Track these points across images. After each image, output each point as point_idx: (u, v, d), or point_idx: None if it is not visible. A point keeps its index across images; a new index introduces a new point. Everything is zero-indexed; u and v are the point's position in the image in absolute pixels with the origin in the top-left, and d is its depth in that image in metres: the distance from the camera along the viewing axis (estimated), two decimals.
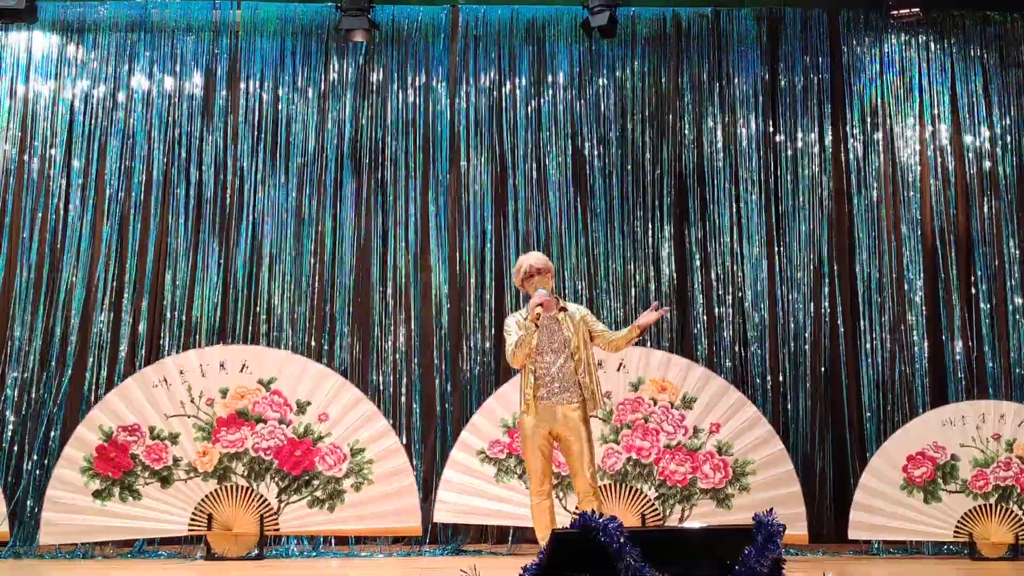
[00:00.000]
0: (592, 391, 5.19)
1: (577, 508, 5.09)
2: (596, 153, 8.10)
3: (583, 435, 5.11)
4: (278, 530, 6.90)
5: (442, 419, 7.72)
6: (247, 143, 7.99)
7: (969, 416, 7.20)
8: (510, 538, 7.41)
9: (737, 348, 7.89)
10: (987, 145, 8.13)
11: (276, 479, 6.90)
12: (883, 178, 8.14)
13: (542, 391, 5.14)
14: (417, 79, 8.16)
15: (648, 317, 5.23)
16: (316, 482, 6.91)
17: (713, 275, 7.98)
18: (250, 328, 7.75)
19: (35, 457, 7.35)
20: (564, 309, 5.26)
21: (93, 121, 7.95)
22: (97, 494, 6.79)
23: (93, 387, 7.52)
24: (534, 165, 8.09)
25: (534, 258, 5.34)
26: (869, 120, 8.20)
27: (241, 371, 7.03)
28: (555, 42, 8.24)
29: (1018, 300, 7.88)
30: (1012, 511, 7.02)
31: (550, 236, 7.97)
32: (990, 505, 7.06)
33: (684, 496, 7.05)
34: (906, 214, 8.08)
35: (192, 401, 6.96)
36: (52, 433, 7.40)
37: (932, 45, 8.25)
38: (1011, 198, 8.05)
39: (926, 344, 7.86)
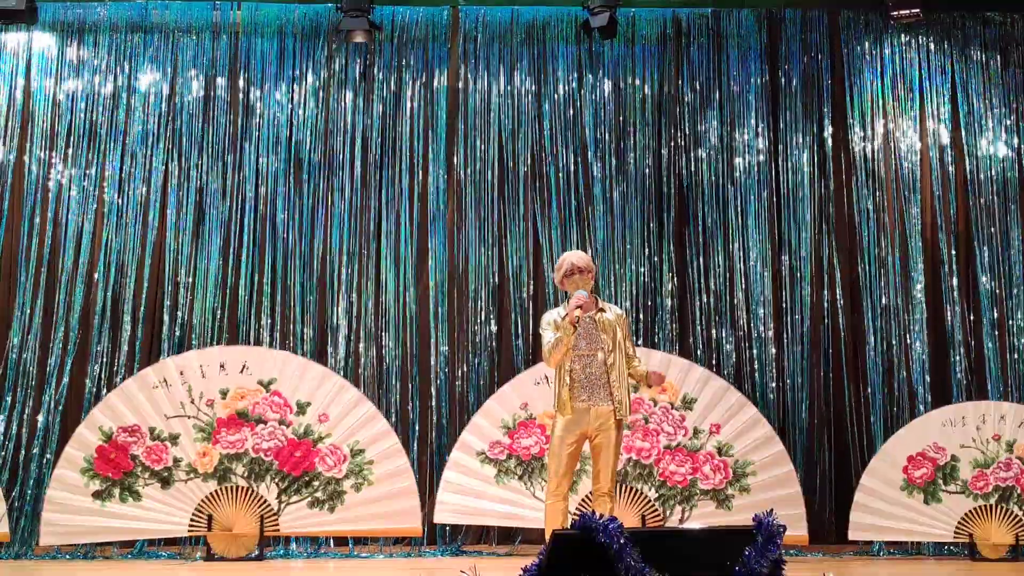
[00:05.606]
0: (621, 398, 5.11)
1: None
2: (596, 153, 8.10)
3: (613, 439, 5.09)
4: (278, 531, 6.90)
5: (441, 419, 7.71)
6: (247, 143, 7.98)
7: (969, 417, 7.20)
8: (512, 539, 7.42)
9: (737, 349, 7.89)
10: (987, 145, 8.12)
11: (276, 480, 6.90)
12: (883, 179, 8.14)
13: (577, 393, 5.10)
14: (417, 79, 8.16)
15: (654, 380, 5.24)
16: (316, 483, 6.91)
17: (713, 275, 7.98)
18: (250, 329, 7.75)
19: (35, 457, 7.35)
20: (602, 310, 5.23)
21: (93, 122, 7.94)
22: (97, 495, 6.79)
23: (93, 387, 7.52)
24: (534, 165, 8.09)
25: (576, 256, 5.28)
26: (869, 121, 8.20)
27: (241, 372, 7.03)
28: (555, 43, 8.24)
29: (1018, 301, 7.88)
30: (1012, 512, 7.02)
31: (550, 236, 7.96)
32: (990, 506, 7.06)
33: (684, 497, 7.04)
34: (907, 214, 8.08)
35: (192, 402, 6.96)
36: (52, 433, 7.39)
37: (932, 46, 8.25)
38: (1012, 198, 8.05)
39: (927, 344, 7.86)
